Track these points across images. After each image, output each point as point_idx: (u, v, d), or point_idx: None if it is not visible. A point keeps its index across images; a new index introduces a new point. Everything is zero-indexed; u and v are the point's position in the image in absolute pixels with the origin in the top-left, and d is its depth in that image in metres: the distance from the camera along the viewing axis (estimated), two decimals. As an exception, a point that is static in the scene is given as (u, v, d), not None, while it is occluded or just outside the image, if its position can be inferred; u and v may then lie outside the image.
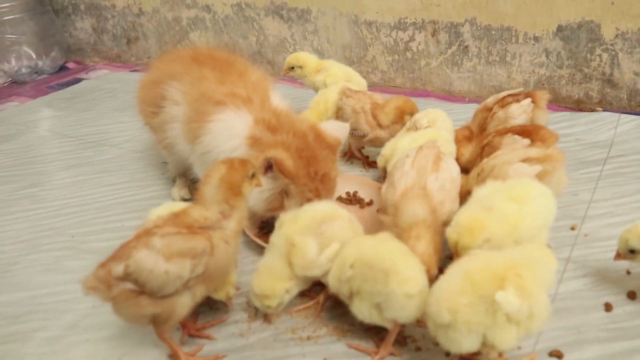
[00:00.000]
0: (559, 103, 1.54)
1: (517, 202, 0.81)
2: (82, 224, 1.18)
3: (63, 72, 2.47)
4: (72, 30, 2.56)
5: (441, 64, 1.70)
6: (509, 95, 1.20)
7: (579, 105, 1.52)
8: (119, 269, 0.71)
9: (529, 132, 1.06)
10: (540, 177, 0.93)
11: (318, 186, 0.95)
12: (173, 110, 1.10)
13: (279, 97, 1.08)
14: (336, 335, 0.82)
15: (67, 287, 0.98)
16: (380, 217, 0.91)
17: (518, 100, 1.17)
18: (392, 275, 0.72)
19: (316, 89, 1.46)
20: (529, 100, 1.17)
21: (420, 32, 1.68)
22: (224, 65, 1.10)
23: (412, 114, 1.20)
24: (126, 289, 0.72)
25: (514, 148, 1.00)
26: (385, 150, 1.13)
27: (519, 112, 1.17)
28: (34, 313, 0.92)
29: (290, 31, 1.98)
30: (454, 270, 0.70)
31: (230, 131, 0.99)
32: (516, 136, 1.05)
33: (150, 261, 0.70)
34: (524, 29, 1.50)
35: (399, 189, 0.89)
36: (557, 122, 1.42)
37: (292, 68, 1.47)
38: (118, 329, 0.87)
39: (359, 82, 1.47)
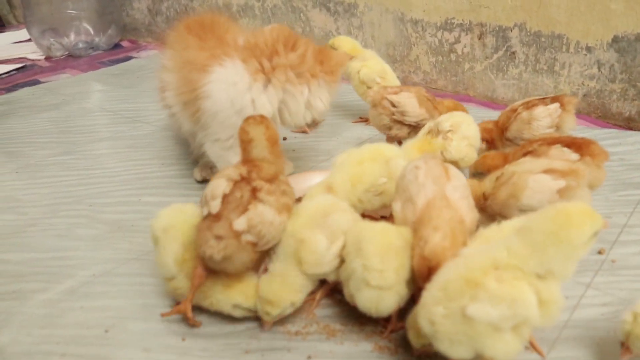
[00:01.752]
0: (607, 119, 1.44)
1: None
2: (101, 194, 1.20)
3: (117, 49, 2.54)
4: (129, 10, 2.63)
5: (486, 68, 1.62)
6: (536, 98, 1.14)
7: (630, 124, 1.41)
8: (241, 222, 0.73)
9: (578, 145, 0.98)
10: (562, 193, 0.87)
11: None
12: (166, 77, 1.13)
13: None
14: (325, 334, 0.80)
15: (75, 253, 1.00)
16: None
17: (545, 103, 1.11)
18: (362, 257, 0.73)
19: (347, 75, 1.44)
20: (556, 104, 1.11)
21: (466, 34, 1.62)
22: (207, 32, 1.12)
23: None
24: (249, 239, 0.75)
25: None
26: None
27: (543, 115, 1.10)
28: (39, 274, 0.94)
29: (335, 24, 1.95)
30: (436, 278, 0.65)
31: (230, 80, 1.02)
32: (565, 149, 0.98)
33: (270, 214, 0.76)
34: (576, 37, 1.41)
35: (420, 203, 0.78)
36: (602, 139, 1.32)
37: None
38: (111, 300, 0.87)
39: (392, 81, 1.42)
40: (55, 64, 2.37)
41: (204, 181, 1.25)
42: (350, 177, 0.90)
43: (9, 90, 2.01)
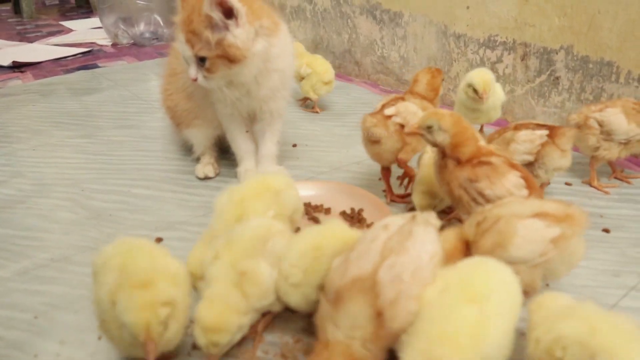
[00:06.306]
0: (654, 163, 1.26)
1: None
2: (96, 180, 1.23)
3: (179, 42, 2.63)
4: (195, 4, 2.71)
5: (527, 93, 1.48)
6: (534, 122, 1.08)
7: (680, 172, 1.22)
8: (391, 109, 1.02)
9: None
10: (556, 243, 0.74)
11: None
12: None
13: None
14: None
15: (45, 235, 1.02)
16: (321, 296, 0.68)
17: (533, 129, 1.05)
18: (290, 247, 0.74)
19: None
20: (544, 132, 1.03)
21: (509, 53, 1.48)
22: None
23: None
24: (397, 125, 1.01)
25: (519, 198, 0.82)
26: None
27: (523, 139, 1.04)
28: (3, 251, 0.97)
29: (380, 33, 1.88)
30: None
31: None
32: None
33: (414, 106, 1.03)
34: (627, 66, 1.24)
35: (351, 272, 0.64)
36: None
37: None
38: (55, 287, 0.87)
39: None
40: (119, 50, 2.49)
41: (206, 178, 1.24)
42: (230, 222, 0.81)
43: (68, 71, 2.14)
